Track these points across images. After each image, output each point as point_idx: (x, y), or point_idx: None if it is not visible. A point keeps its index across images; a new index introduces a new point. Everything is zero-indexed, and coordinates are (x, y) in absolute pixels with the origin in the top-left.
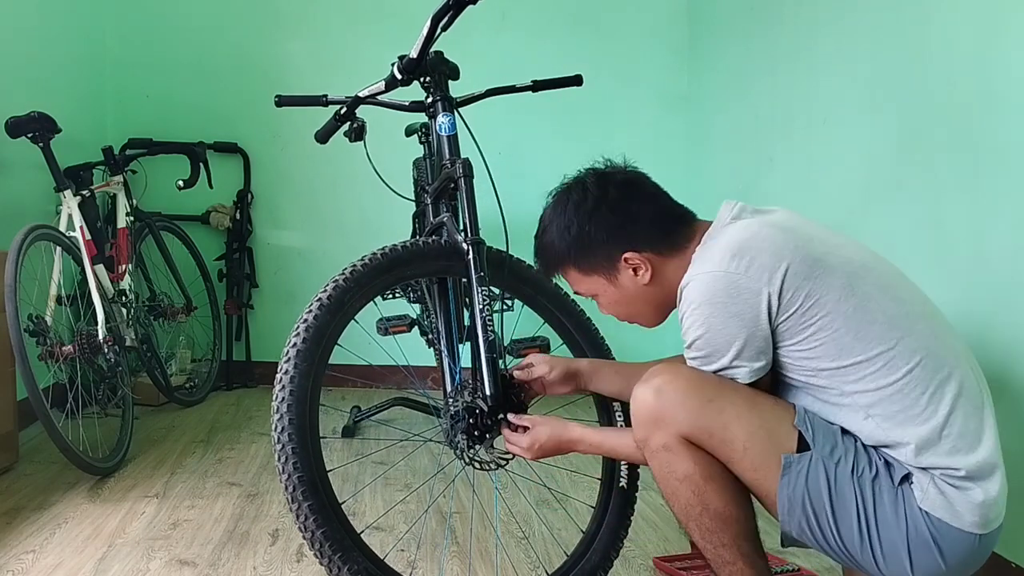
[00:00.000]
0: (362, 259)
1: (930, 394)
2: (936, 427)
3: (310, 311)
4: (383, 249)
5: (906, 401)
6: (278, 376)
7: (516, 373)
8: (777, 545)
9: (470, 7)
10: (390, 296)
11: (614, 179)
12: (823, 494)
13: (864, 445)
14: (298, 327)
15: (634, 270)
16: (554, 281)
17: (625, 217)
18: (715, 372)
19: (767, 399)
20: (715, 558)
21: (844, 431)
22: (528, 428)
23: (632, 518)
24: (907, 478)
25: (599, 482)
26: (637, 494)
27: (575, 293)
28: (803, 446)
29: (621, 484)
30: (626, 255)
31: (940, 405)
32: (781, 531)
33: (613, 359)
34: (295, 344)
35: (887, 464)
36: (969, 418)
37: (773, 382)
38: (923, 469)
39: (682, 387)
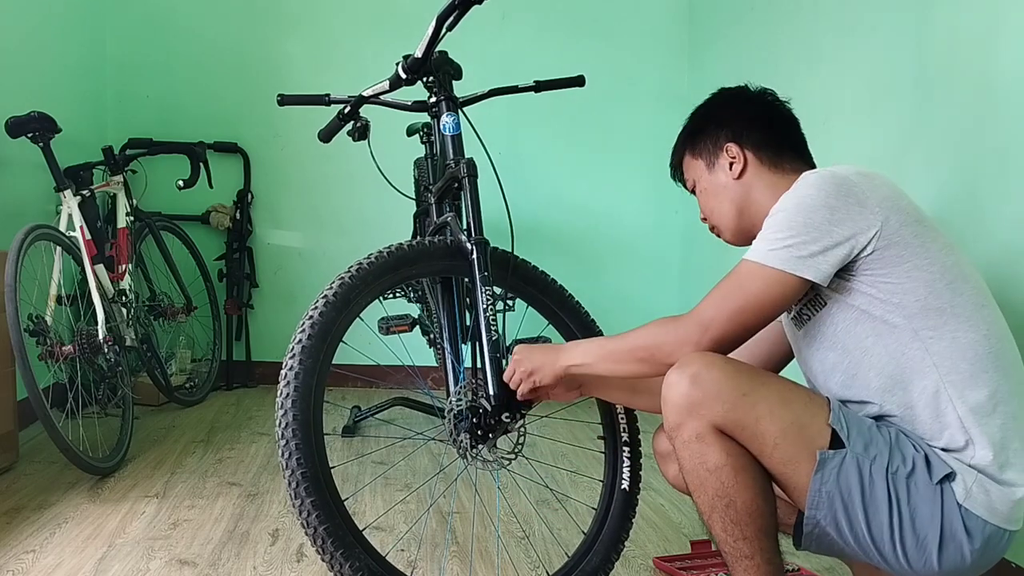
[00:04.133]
0: (368, 257)
1: (1003, 374)
2: (990, 411)
3: (316, 308)
4: (389, 248)
5: (980, 368)
6: (283, 372)
7: (521, 389)
8: (786, 546)
9: (475, 7)
10: (390, 296)
11: (754, 92)
12: (856, 491)
13: (899, 439)
14: (304, 324)
15: (731, 163)
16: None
17: (745, 112)
18: (771, 241)
19: (801, 394)
20: (734, 551)
21: (878, 425)
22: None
23: (633, 520)
24: (949, 476)
25: (601, 483)
26: (639, 496)
27: (688, 189)
28: (836, 443)
29: (623, 486)
30: (729, 144)
31: (1004, 386)
32: (802, 530)
33: None
34: (300, 340)
35: (927, 460)
36: (1020, 410)
37: (861, 323)
38: (971, 467)
39: (718, 377)
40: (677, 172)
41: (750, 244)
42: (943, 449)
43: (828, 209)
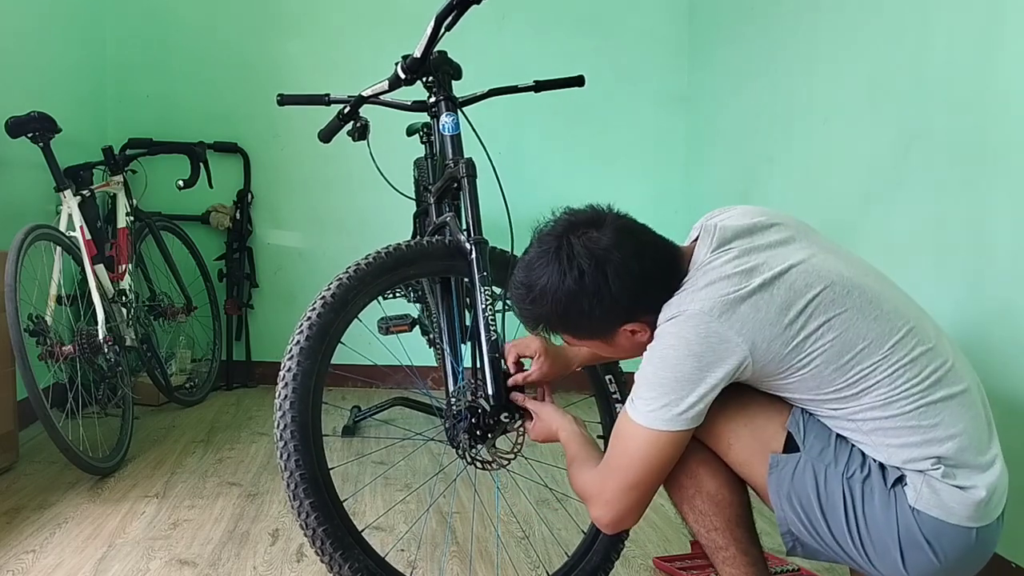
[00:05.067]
0: (366, 257)
1: (928, 403)
2: (918, 432)
3: (314, 309)
4: (387, 248)
5: (901, 416)
6: (281, 373)
7: (511, 381)
8: (778, 544)
9: (474, 7)
10: (390, 296)
11: (602, 253)
12: (811, 494)
13: (857, 447)
14: (302, 324)
15: (632, 332)
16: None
17: (624, 295)
18: (649, 404)
19: (760, 399)
20: (709, 543)
21: (840, 437)
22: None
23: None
24: (900, 480)
25: None
26: None
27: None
28: (793, 447)
29: None
30: (626, 326)
31: (924, 409)
32: (780, 533)
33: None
34: (298, 341)
35: (881, 467)
36: (953, 419)
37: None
38: (919, 471)
39: None
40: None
41: None
42: (893, 464)
43: (694, 358)
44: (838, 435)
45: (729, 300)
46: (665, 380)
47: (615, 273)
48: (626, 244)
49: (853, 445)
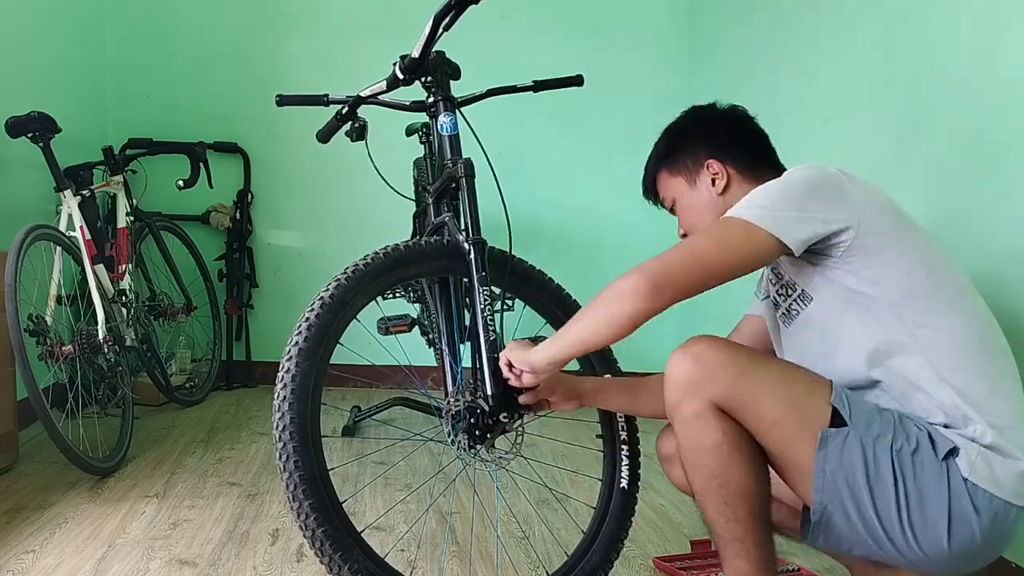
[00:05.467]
0: (365, 258)
1: (991, 356)
2: (990, 387)
3: (312, 310)
4: (386, 248)
5: (967, 351)
6: (280, 374)
7: (521, 399)
8: (778, 544)
9: (472, 7)
10: (390, 296)
11: (725, 109)
12: (860, 471)
13: (903, 421)
14: (300, 325)
15: (713, 179)
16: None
17: (721, 130)
18: (746, 203)
19: (802, 374)
20: (725, 533)
21: (880, 408)
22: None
23: (633, 519)
24: (953, 452)
25: (599, 482)
26: (638, 494)
27: (666, 207)
28: (838, 422)
29: (622, 485)
30: (710, 161)
31: (995, 367)
32: (810, 520)
33: (615, 360)
34: (297, 343)
35: (930, 438)
36: (1014, 387)
37: (850, 310)
38: (973, 441)
39: (719, 356)
40: (650, 191)
41: None
42: (943, 426)
43: (808, 188)
44: (882, 409)
45: (855, 176)
46: (774, 194)
47: (729, 114)
48: (741, 113)
49: (897, 419)
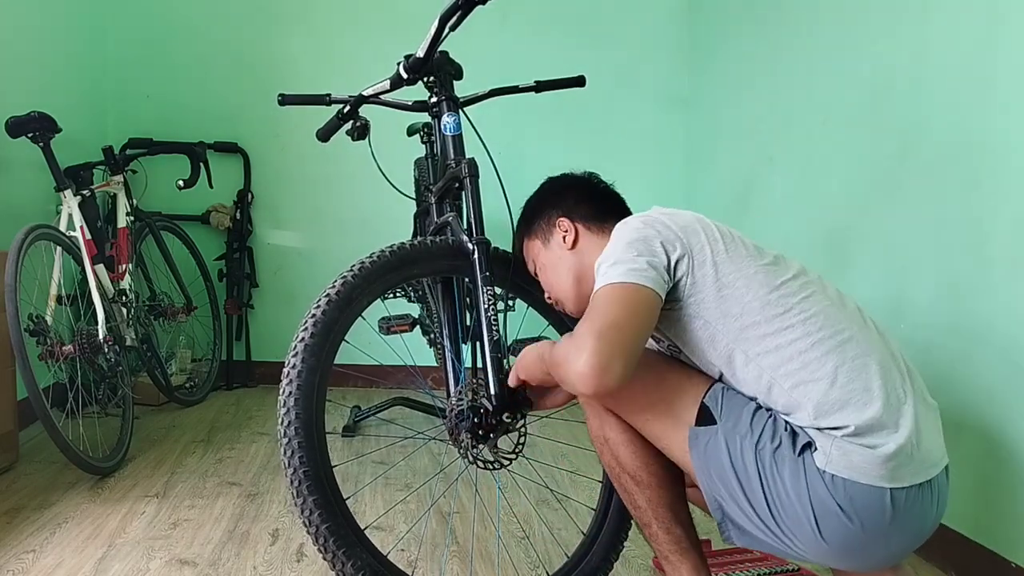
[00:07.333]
0: (371, 256)
1: (827, 355)
2: (835, 387)
3: (318, 306)
4: (391, 247)
5: (805, 360)
6: (285, 371)
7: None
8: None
9: (478, 7)
10: (391, 295)
11: (579, 175)
12: (727, 467)
13: (774, 419)
14: (306, 322)
15: (563, 235)
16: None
17: (571, 194)
18: (603, 272)
19: (680, 373)
20: (637, 519)
21: (759, 407)
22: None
23: (632, 520)
24: (809, 445)
25: (600, 484)
26: None
27: (530, 271)
28: (710, 420)
29: None
30: (560, 219)
31: (839, 365)
32: (709, 507)
33: None
34: (303, 339)
35: (792, 434)
36: (865, 376)
37: (704, 350)
38: (821, 430)
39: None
40: (523, 262)
41: None
42: (803, 426)
43: (641, 241)
44: (756, 408)
45: (673, 212)
46: (618, 250)
47: (570, 177)
48: (587, 175)
49: (768, 418)
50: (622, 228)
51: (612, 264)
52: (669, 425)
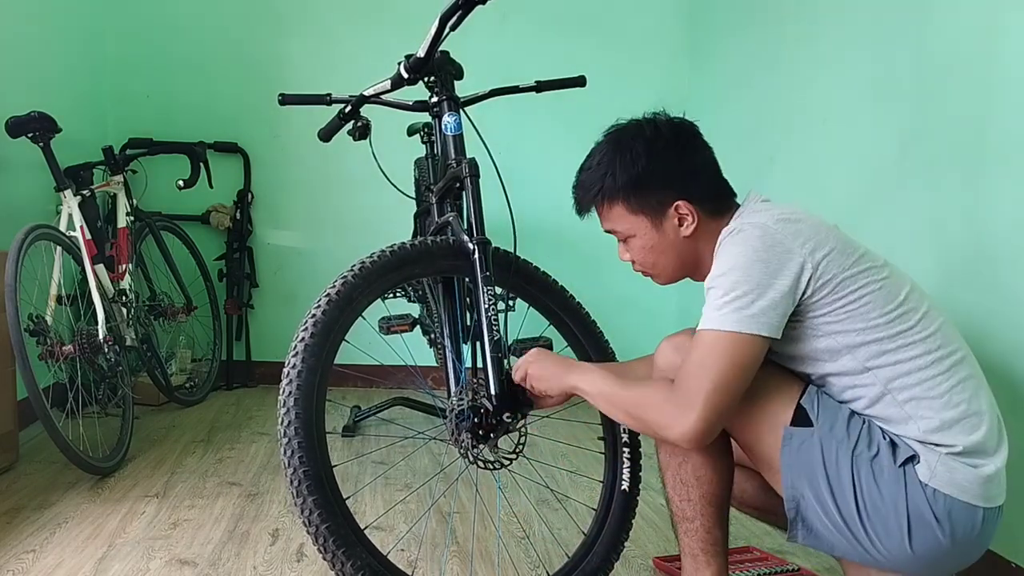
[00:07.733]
0: (371, 256)
1: (944, 373)
2: (949, 406)
3: (319, 306)
4: (392, 247)
5: (922, 376)
6: (285, 370)
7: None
8: (778, 545)
9: (479, 7)
10: (391, 295)
11: (678, 126)
12: (820, 471)
13: (869, 427)
14: (306, 322)
15: (680, 220)
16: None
17: (688, 166)
18: (719, 307)
19: (776, 373)
20: (679, 512)
21: (853, 413)
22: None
23: (633, 521)
24: (912, 459)
25: (600, 484)
26: (638, 496)
27: (607, 230)
28: (806, 422)
29: (623, 487)
30: (679, 203)
31: (954, 385)
32: (786, 508)
33: (613, 353)
34: (303, 339)
35: (892, 445)
36: (976, 398)
37: (804, 357)
38: (926, 444)
39: None
40: (587, 209)
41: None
42: (910, 437)
43: (761, 263)
44: (851, 413)
45: (789, 218)
46: (734, 277)
47: (688, 142)
48: (696, 136)
49: (863, 425)
50: (740, 243)
51: (728, 299)
52: (762, 422)
